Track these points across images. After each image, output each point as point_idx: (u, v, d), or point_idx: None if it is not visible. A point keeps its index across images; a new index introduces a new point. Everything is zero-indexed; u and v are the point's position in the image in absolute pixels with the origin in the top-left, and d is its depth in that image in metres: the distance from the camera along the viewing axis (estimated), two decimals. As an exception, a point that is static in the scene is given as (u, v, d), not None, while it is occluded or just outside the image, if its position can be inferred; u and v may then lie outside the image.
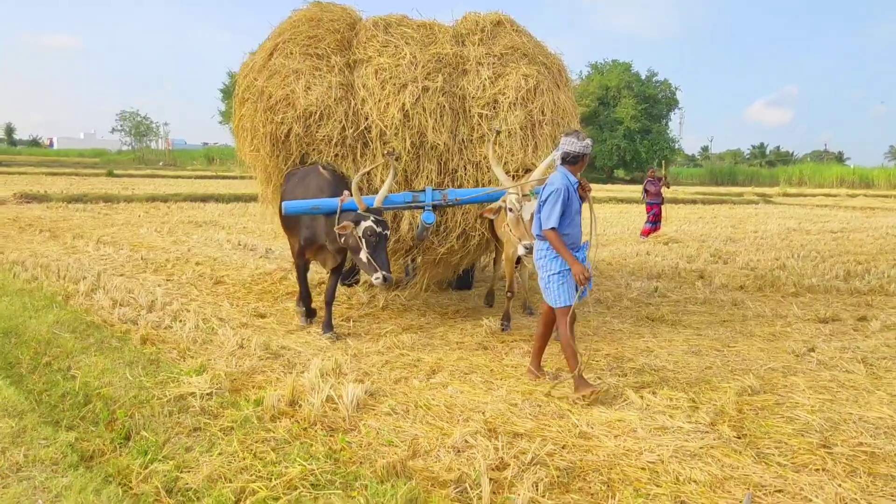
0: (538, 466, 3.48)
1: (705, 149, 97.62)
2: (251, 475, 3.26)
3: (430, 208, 6.29)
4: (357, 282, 8.56)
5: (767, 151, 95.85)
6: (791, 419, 4.31)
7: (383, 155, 6.51)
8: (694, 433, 4.03)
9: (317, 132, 6.73)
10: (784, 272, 10.36)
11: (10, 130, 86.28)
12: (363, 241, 5.61)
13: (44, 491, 3.00)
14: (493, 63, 7.22)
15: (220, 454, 3.47)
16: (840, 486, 3.41)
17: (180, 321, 6.16)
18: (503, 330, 6.62)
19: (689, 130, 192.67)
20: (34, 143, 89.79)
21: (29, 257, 9.43)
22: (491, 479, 3.31)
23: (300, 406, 4.20)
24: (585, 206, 4.93)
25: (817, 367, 5.54)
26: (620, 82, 65.50)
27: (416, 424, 4.06)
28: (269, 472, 3.31)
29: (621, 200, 29.08)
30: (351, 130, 6.74)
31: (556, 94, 7.28)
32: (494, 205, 6.02)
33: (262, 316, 6.86)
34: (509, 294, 6.79)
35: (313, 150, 6.83)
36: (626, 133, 64.55)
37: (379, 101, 6.76)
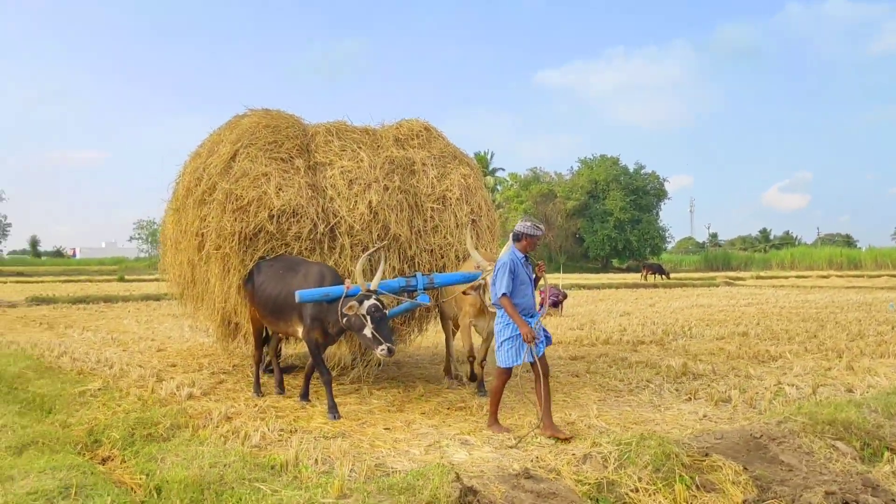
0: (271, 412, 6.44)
1: (714, 235, 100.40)
2: (103, 414, 6.26)
3: (423, 291, 6.99)
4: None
5: (772, 236, 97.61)
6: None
7: (374, 245, 7.49)
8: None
9: (288, 230, 7.38)
10: (622, 334, 13.03)
11: (34, 243, 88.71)
12: (368, 318, 6.13)
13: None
14: (435, 164, 8.34)
15: (91, 410, 6.47)
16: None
17: (110, 367, 9.18)
18: (479, 394, 7.35)
19: (702, 218, 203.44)
20: (58, 253, 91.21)
21: (23, 339, 12.44)
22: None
23: (154, 392, 7.22)
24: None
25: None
26: (609, 176, 68.65)
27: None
28: (110, 410, 6.32)
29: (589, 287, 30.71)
30: (322, 227, 7.49)
31: (483, 190, 8.58)
32: (475, 282, 6.73)
33: (174, 365, 9.79)
34: (471, 358, 7.63)
35: (282, 245, 7.44)
36: (617, 224, 67.51)
37: (347, 199, 7.57)
